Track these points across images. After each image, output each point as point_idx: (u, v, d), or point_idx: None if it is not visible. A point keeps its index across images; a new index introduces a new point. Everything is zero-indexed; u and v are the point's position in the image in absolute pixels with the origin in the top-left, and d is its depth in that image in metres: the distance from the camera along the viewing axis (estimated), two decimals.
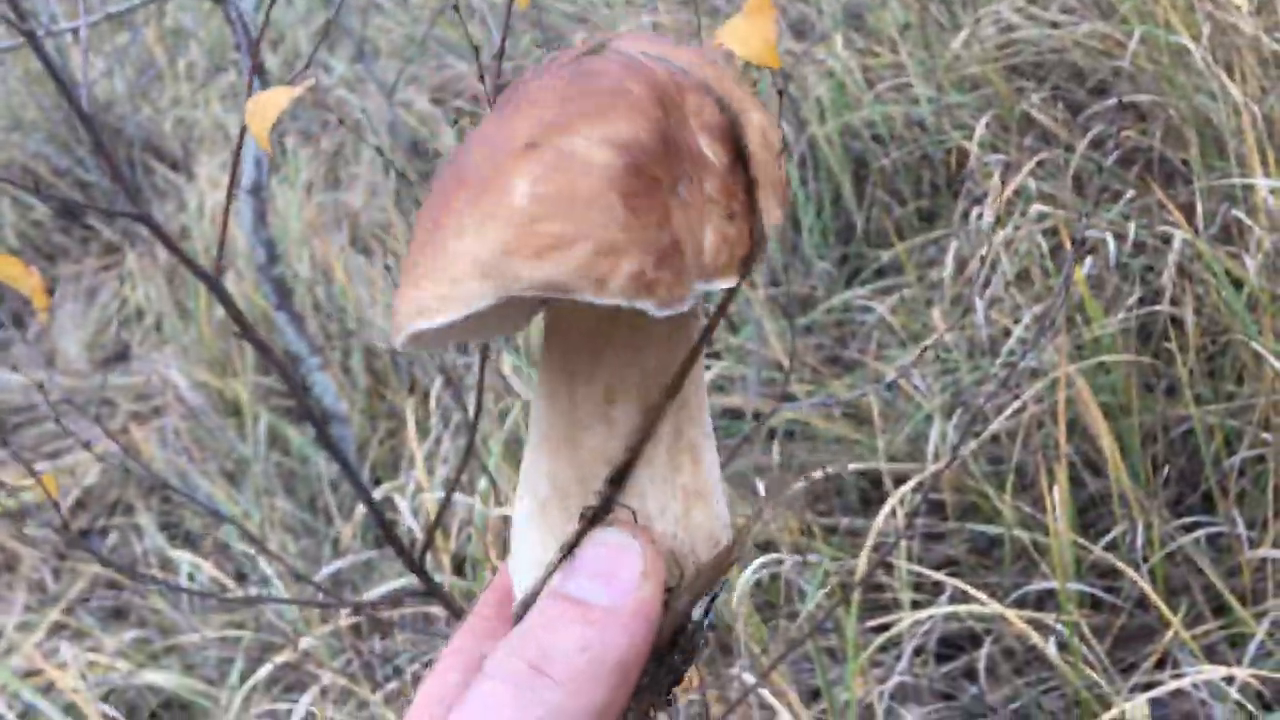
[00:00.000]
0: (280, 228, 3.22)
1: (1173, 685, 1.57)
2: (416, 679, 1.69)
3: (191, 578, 2.50)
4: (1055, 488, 1.79)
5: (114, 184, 3.34)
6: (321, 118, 3.85)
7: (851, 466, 2.09)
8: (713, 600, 0.50)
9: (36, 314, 3.79)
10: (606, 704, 0.43)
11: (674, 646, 0.47)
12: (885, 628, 1.95)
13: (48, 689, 2.19)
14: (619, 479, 0.46)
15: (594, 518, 0.47)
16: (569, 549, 0.46)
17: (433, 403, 2.56)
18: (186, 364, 3.07)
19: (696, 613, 0.48)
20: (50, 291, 3.71)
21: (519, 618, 0.47)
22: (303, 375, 2.64)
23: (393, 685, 1.70)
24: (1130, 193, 2.32)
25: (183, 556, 2.31)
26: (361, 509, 2.25)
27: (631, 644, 0.44)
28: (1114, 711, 1.68)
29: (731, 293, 0.46)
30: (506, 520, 1.82)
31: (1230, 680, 1.58)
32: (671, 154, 0.42)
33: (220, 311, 3.20)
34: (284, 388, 3.09)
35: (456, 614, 1.08)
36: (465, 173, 0.41)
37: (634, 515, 0.47)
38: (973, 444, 2.07)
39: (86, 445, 1.21)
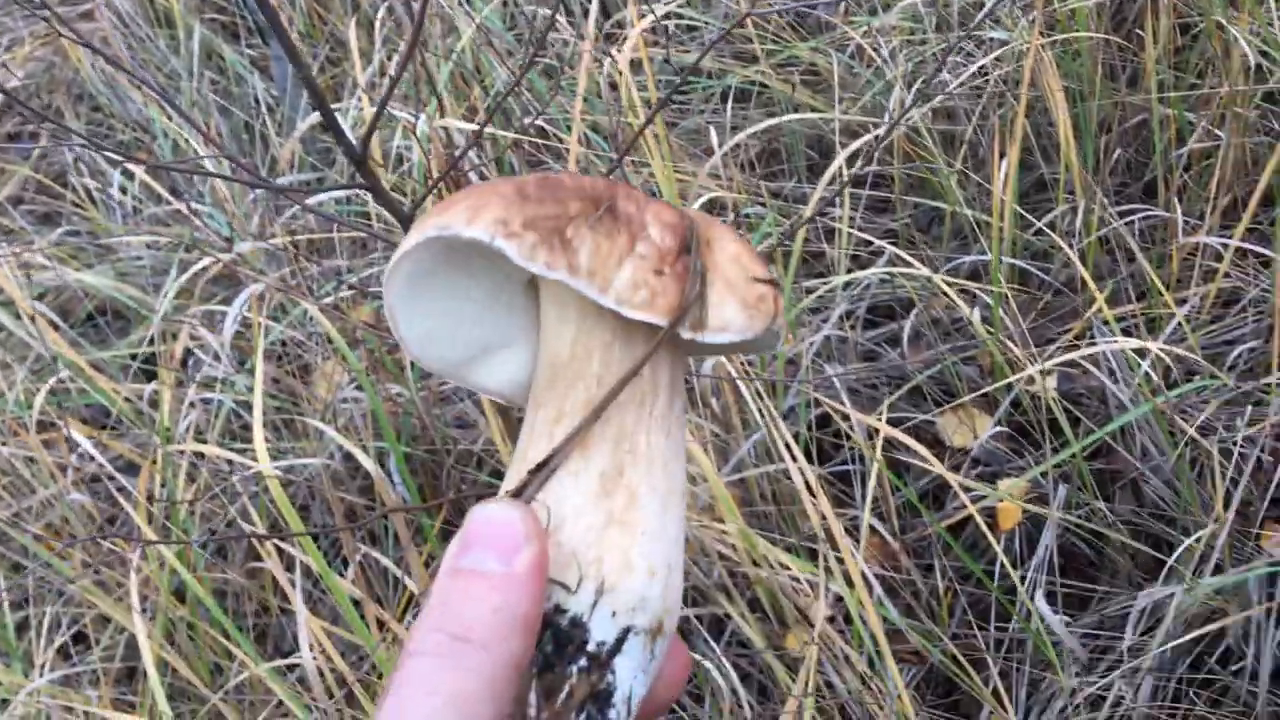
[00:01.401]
0: None
1: (1086, 351, 1.63)
2: (354, 289, 1.70)
3: (124, 190, 2.45)
4: (1005, 160, 1.79)
5: None
6: None
7: (799, 117, 2.05)
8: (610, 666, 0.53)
9: None
10: (523, 653, 0.50)
11: (560, 651, 0.52)
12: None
13: None
14: (537, 470, 0.55)
15: (512, 497, 0.55)
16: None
17: (377, 31, 2.44)
18: None
19: (599, 633, 0.52)
20: None
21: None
22: None
23: (329, 299, 1.71)
24: None
25: (115, 167, 2.25)
26: (299, 131, 2.19)
27: (532, 598, 0.50)
28: (1024, 374, 1.76)
29: (660, 341, 0.56)
30: (448, 133, 1.78)
31: (1143, 354, 1.65)
32: (595, 204, 0.56)
33: None
34: (220, 1, 2.92)
35: (395, 213, 1.07)
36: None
37: (548, 511, 0.54)
38: (926, 108, 2.04)
39: None
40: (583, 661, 0.52)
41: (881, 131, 1.72)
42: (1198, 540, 1.55)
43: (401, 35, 2.58)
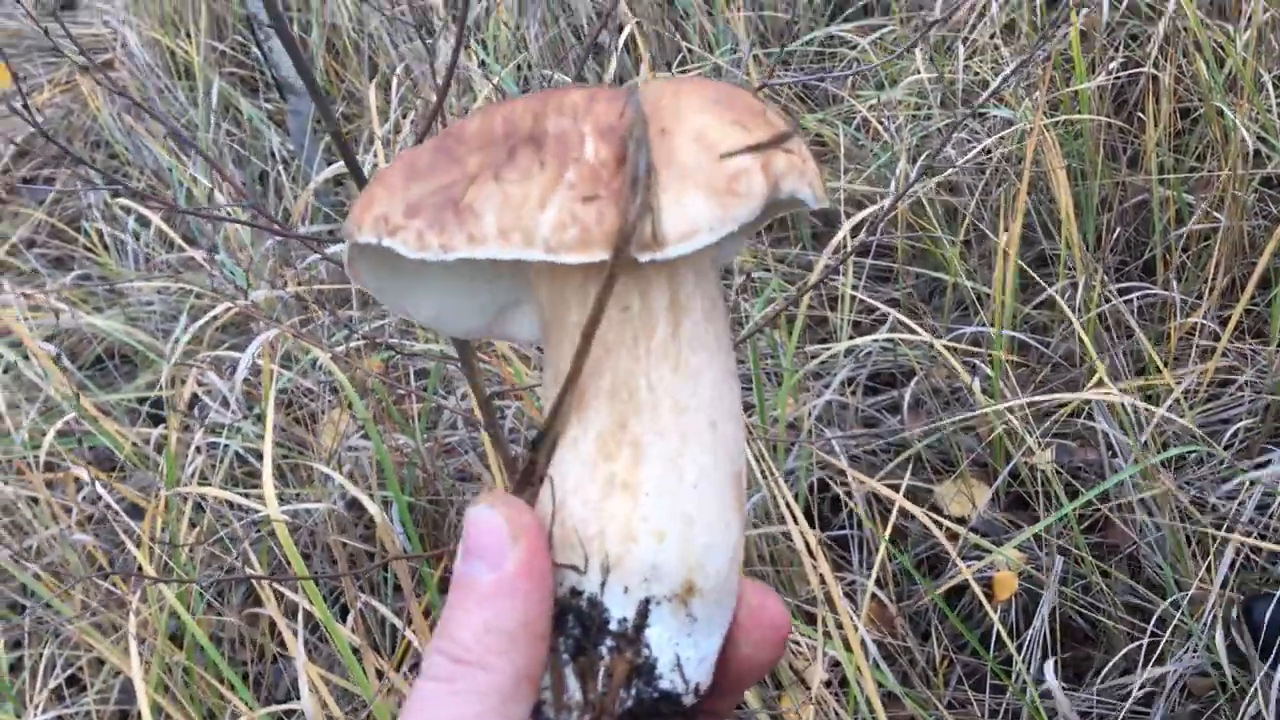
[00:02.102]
0: None
1: (1082, 396, 1.64)
2: (366, 339, 1.72)
3: (137, 236, 2.48)
4: (1006, 233, 1.82)
5: None
6: None
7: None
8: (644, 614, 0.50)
9: None
10: (528, 663, 0.47)
11: (586, 633, 0.49)
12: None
13: None
14: (534, 447, 0.50)
15: (519, 482, 0.51)
16: None
17: (394, 90, 2.49)
18: (137, 19, 2.93)
19: (618, 610, 0.49)
20: None
21: None
22: (260, 40, 2.54)
23: (340, 348, 1.73)
24: None
25: (129, 213, 2.28)
26: (314, 183, 2.22)
27: (526, 604, 0.47)
28: (1008, 425, 1.77)
29: (611, 275, 0.48)
30: None
31: (1141, 428, 1.66)
32: (509, 142, 0.49)
33: None
34: (239, 55, 2.97)
35: None
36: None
37: (552, 484, 0.50)
38: (931, 183, 2.08)
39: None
40: (610, 641, 0.49)
41: (886, 204, 1.76)
42: (1188, 614, 1.55)
43: (417, 94, 2.63)
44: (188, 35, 2.86)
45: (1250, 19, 2.09)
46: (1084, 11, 2.18)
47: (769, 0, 2.86)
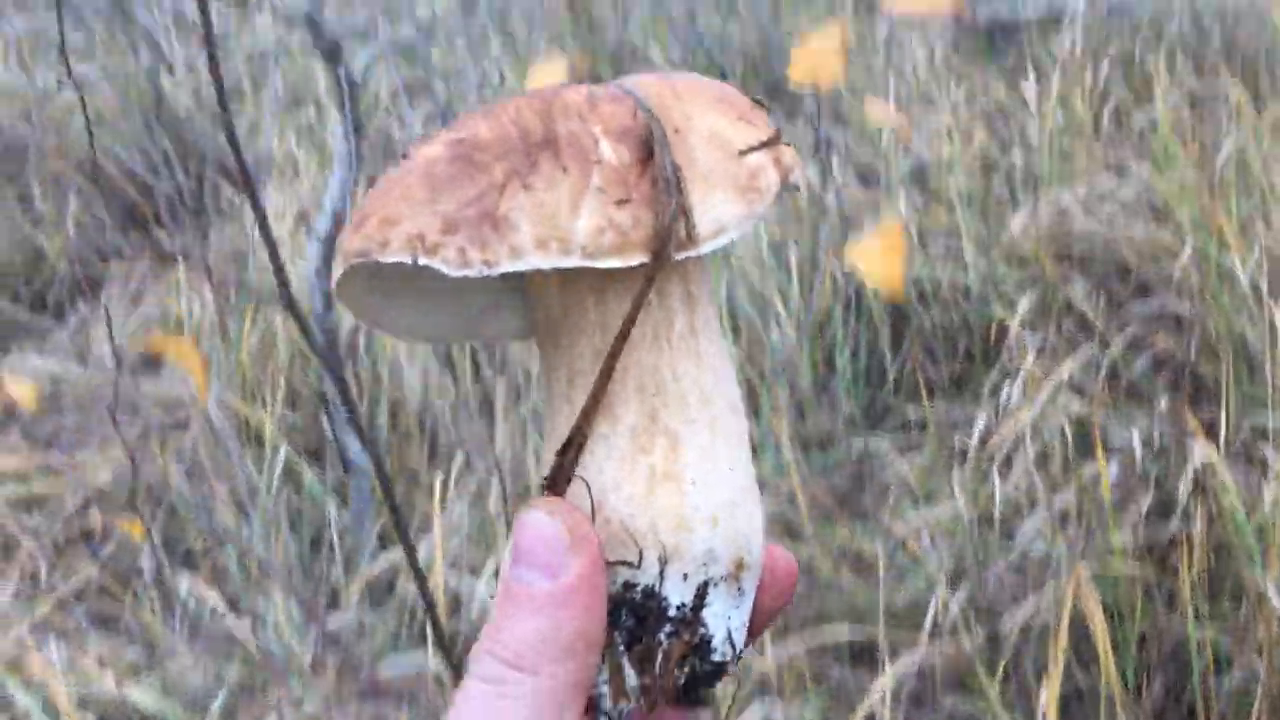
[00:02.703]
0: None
1: None
2: None
3: (185, 605, 2.53)
4: (1045, 686, 1.83)
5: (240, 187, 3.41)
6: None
7: (849, 632, 2.14)
8: (702, 597, 0.51)
9: (77, 304, 3.84)
10: (579, 674, 0.47)
11: (642, 624, 0.50)
12: None
13: (29, 682, 2.21)
14: (565, 450, 0.50)
15: (547, 487, 0.51)
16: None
17: (452, 479, 2.60)
18: (218, 385, 3.12)
19: (676, 597, 0.50)
20: (98, 285, 3.78)
21: None
22: (332, 418, 2.70)
23: None
24: (1163, 401, 2.40)
25: (181, 576, 2.34)
26: (368, 565, 2.29)
27: (582, 617, 0.47)
28: None
29: (650, 278, 0.49)
30: None
31: None
32: (527, 145, 0.48)
33: (256, 339, 3.27)
34: (305, 425, 3.14)
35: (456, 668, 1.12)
36: None
37: (588, 487, 0.50)
38: (974, 630, 2.12)
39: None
40: (669, 628, 0.50)
41: (924, 653, 1.79)
42: None
43: (477, 493, 2.74)
44: (264, 404, 3.04)
45: None
46: (1114, 468, 2.30)
47: (809, 406, 3.02)
